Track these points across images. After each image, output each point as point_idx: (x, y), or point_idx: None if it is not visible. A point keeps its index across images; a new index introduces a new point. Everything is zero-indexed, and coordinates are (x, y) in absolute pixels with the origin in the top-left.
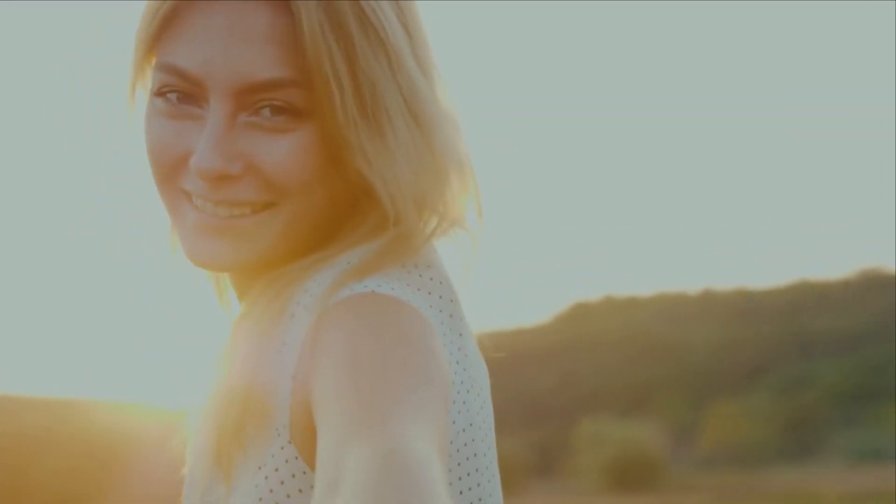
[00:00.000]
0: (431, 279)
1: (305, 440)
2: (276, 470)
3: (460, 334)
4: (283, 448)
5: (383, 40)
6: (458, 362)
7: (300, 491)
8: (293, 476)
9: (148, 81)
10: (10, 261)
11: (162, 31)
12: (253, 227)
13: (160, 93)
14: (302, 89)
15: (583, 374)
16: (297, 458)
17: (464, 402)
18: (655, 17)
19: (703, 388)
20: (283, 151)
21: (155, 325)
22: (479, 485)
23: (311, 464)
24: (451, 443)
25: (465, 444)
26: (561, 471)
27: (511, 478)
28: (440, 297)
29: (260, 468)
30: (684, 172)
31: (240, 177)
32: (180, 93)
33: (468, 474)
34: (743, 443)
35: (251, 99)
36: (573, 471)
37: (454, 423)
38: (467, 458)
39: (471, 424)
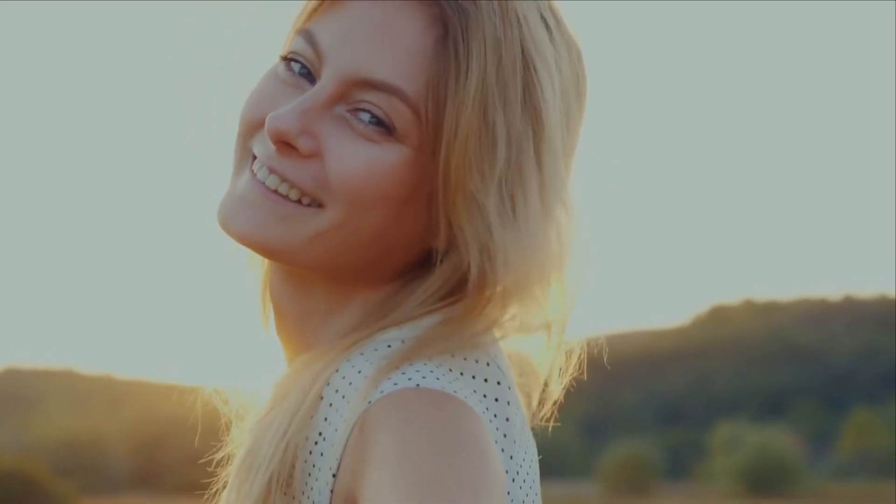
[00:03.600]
0: (477, 361)
1: None
2: None
3: (507, 419)
4: None
5: (540, 119)
6: (503, 450)
7: None
8: None
9: (287, 45)
10: (156, 252)
11: (322, 3)
12: (293, 214)
13: (287, 57)
14: (410, 110)
15: (720, 377)
16: None
17: (507, 493)
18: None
19: (842, 395)
20: (358, 157)
21: None
22: None
23: None
24: None
25: None
26: (694, 474)
27: (643, 479)
28: (485, 381)
29: None
30: (828, 178)
31: (305, 157)
32: (303, 66)
33: None
34: (881, 452)
35: (357, 95)
36: (707, 474)
37: None
38: None
39: None
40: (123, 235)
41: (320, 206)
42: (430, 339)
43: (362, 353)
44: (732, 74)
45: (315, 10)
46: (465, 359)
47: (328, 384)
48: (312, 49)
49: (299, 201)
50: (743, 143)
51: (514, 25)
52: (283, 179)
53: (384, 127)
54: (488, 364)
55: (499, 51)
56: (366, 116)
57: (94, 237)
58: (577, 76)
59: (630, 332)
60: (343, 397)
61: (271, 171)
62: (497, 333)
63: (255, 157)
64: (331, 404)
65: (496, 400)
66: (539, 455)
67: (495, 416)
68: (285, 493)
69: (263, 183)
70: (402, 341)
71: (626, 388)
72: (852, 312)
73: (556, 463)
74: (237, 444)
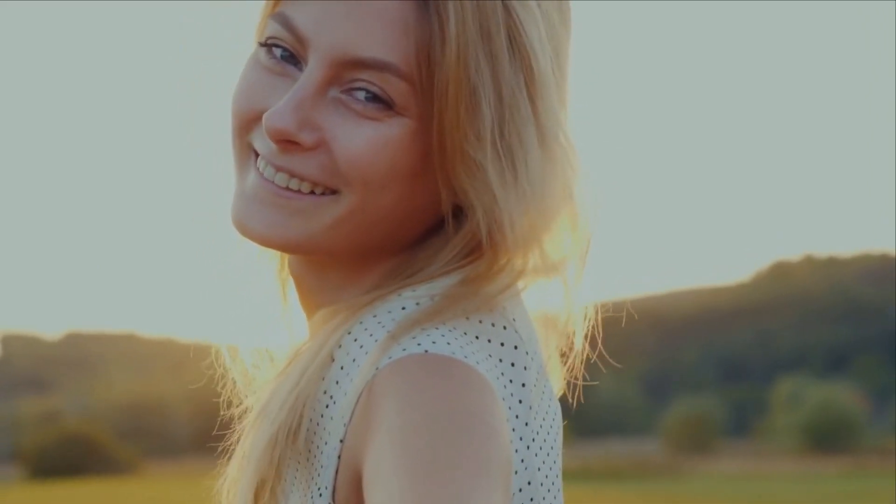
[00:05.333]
0: (493, 324)
1: None
2: None
3: (523, 384)
4: None
5: (530, 66)
6: (517, 416)
7: None
8: None
9: (261, 30)
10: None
11: None
12: (308, 207)
13: (266, 43)
14: (404, 82)
15: (781, 333)
16: None
17: (521, 461)
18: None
19: None
20: (363, 138)
21: None
22: None
23: None
24: None
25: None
26: (756, 430)
27: (705, 436)
28: (501, 345)
29: None
30: (888, 133)
31: (310, 150)
32: (285, 50)
33: None
34: None
35: (348, 75)
36: (769, 430)
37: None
38: None
39: (529, 483)
40: (180, 202)
41: (334, 192)
42: (447, 300)
43: (375, 316)
44: (802, 41)
45: None
46: (480, 321)
47: (340, 346)
48: (291, 34)
49: (312, 192)
50: (800, 102)
51: None
52: (292, 175)
53: (383, 103)
54: (505, 327)
55: (478, 3)
56: (361, 95)
57: (151, 203)
58: (559, 8)
59: (692, 289)
60: (354, 361)
61: (278, 168)
62: (520, 284)
63: (257, 154)
64: (342, 367)
65: (512, 364)
66: (601, 413)
67: (511, 381)
68: (294, 445)
69: (272, 181)
70: (418, 303)
71: (687, 345)
72: None
73: (618, 421)
74: (256, 398)
